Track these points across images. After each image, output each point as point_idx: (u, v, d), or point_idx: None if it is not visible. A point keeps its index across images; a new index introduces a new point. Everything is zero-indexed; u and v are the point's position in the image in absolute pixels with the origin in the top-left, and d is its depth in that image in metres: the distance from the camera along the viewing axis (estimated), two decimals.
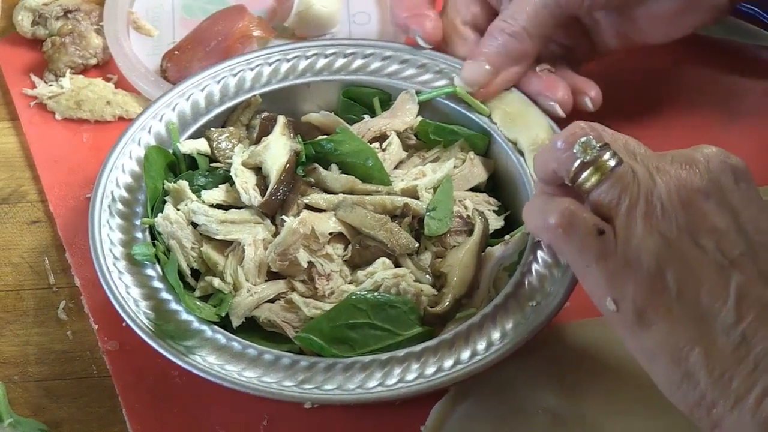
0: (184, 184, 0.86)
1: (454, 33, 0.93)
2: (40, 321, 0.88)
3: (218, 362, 0.78)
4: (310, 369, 0.78)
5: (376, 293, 0.81)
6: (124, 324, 0.80)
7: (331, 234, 0.83)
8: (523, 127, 0.88)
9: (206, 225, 0.84)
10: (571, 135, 0.71)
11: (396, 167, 0.89)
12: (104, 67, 1.02)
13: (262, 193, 0.85)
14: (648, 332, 0.68)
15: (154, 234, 0.85)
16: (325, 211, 0.84)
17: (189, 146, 0.89)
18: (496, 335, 0.78)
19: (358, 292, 0.80)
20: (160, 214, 0.85)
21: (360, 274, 0.83)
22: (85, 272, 0.89)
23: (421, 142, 0.91)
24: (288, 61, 0.93)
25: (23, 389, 0.84)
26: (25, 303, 0.89)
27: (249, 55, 0.93)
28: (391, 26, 1.02)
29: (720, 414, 0.66)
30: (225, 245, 0.85)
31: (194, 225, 0.85)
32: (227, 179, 0.87)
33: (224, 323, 0.81)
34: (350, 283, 0.83)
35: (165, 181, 0.87)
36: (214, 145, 0.89)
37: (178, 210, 0.85)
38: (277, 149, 0.87)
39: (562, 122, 0.87)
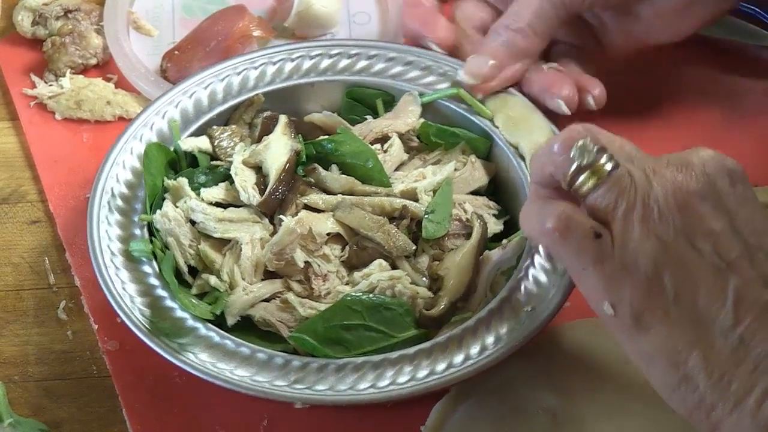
0: (183, 181, 0.86)
1: (464, 39, 0.93)
2: (40, 321, 0.88)
3: (211, 360, 0.78)
4: (302, 369, 0.78)
5: (371, 295, 0.80)
6: (119, 320, 0.80)
7: (328, 234, 0.83)
8: (526, 132, 0.88)
9: (204, 223, 0.84)
10: (568, 138, 0.71)
11: (397, 169, 0.89)
12: (104, 67, 1.02)
13: (262, 192, 0.85)
14: (646, 336, 0.68)
15: (152, 231, 0.85)
16: (323, 211, 0.84)
17: (190, 144, 0.89)
18: (490, 340, 0.78)
19: (354, 293, 0.80)
20: (158, 211, 0.85)
21: (356, 275, 0.83)
22: (85, 272, 0.89)
23: (423, 144, 0.91)
24: (292, 60, 0.93)
25: (23, 389, 0.84)
26: (25, 303, 0.89)
27: (253, 54, 0.93)
28: (392, 26, 1.02)
29: (719, 417, 0.66)
30: (223, 243, 0.85)
31: (192, 222, 0.85)
32: (227, 177, 0.87)
33: (220, 322, 0.81)
34: (347, 284, 0.83)
35: (165, 178, 0.87)
36: (215, 143, 0.90)
37: (177, 207, 0.85)
38: (278, 149, 0.87)
39: (564, 123, 0.87)
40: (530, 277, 0.81)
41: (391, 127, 0.90)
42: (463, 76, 0.90)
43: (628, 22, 0.91)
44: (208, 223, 0.84)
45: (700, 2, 0.89)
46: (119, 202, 0.86)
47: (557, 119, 0.89)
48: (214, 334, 0.80)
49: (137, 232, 0.85)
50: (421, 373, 0.77)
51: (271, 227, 0.84)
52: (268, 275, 0.84)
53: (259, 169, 0.87)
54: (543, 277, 0.80)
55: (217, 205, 0.86)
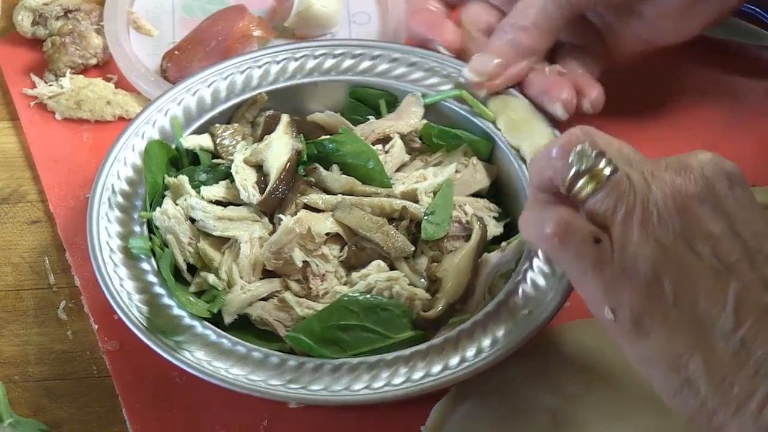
0: (183, 179, 0.86)
1: (471, 42, 0.93)
2: (40, 321, 0.88)
3: (206, 358, 0.78)
4: (297, 369, 0.78)
5: (368, 295, 0.80)
6: (115, 316, 0.80)
7: (327, 234, 0.83)
8: (527, 135, 0.88)
9: (204, 221, 0.84)
10: (566, 143, 0.70)
11: (398, 170, 0.89)
12: (104, 67, 1.02)
13: (262, 191, 0.85)
14: (646, 340, 0.68)
15: (152, 228, 0.85)
16: (323, 211, 0.84)
17: (191, 141, 0.89)
18: (486, 342, 0.78)
19: (351, 294, 0.80)
20: (158, 208, 0.85)
21: (354, 275, 0.83)
22: (85, 272, 0.89)
23: (426, 145, 0.91)
24: (296, 59, 0.93)
25: (23, 389, 0.84)
26: (25, 303, 0.89)
27: (257, 53, 0.93)
28: (391, 27, 1.02)
29: (721, 421, 0.66)
30: (222, 242, 0.85)
31: (192, 220, 0.85)
32: (228, 176, 0.87)
33: (217, 320, 0.81)
34: (345, 284, 0.83)
35: (166, 176, 0.87)
36: (217, 141, 0.90)
37: (177, 205, 0.85)
38: (279, 148, 0.87)
39: (566, 124, 0.87)
40: (528, 281, 0.80)
41: (393, 128, 0.89)
42: (468, 73, 0.90)
43: (632, 23, 0.91)
44: (208, 221, 0.84)
45: (703, 1, 0.89)
46: (120, 199, 0.86)
47: (559, 121, 0.89)
48: (211, 332, 0.80)
49: (137, 229, 0.85)
50: (417, 375, 0.77)
51: (271, 226, 0.84)
52: (267, 274, 0.84)
53: (260, 167, 0.87)
54: (541, 281, 0.80)
55: (218, 203, 0.86)
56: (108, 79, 1.01)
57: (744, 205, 0.69)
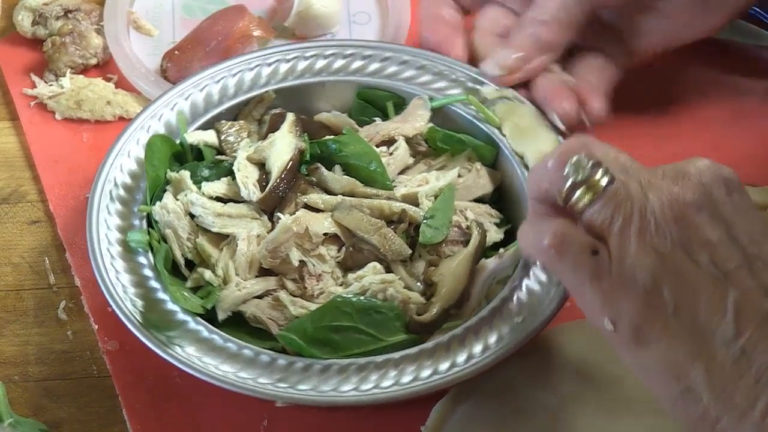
0: (185, 174, 0.86)
1: (482, 46, 0.93)
2: (40, 321, 0.88)
3: (197, 354, 0.78)
4: (287, 368, 0.77)
5: (362, 297, 0.80)
6: (109, 308, 0.80)
7: (325, 235, 0.83)
8: (532, 141, 0.87)
9: (203, 216, 0.84)
10: (562, 154, 0.70)
11: (402, 172, 0.89)
12: (104, 67, 1.02)
13: (263, 189, 0.85)
14: (647, 350, 0.67)
15: (151, 222, 0.85)
16: (322, 211, 0.84)
17: (196, 137, 0.89)
18: (477, 348, 0.78)
19: (344, 295, 0.80)
20: (158, 203, 0.85)
21: (350, 276, 0.82)
22: (85, 272, 0.89)
23: (431, 149, 0.90)
24: (306, 59, 0.93)
25: (23, 389, 0.84)
26: (25, 303, 0.89)
27: (266, 51, 0.93)
28: (392, 27, 1.02)
29: (724, 429, 0.65)
30: (221, 238, 0.85)
31: (192, 216, 0.85)
32: (231, 173, 0.87)
33: (212, 317, 0.81)
34: (341, 285, 0.83)
35: (168, 171, 0.87)
36: (222, 138, 0.90)
37: (177, 200, 0.85)
38: (282, 146, 0.87)
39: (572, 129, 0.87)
40: (524, 288, 0.80)
41: (398, 131, 0.89)
42: (490, 67, 0.90)
43: (650, 19, 0.91)
44: (207, 217, 0.84)
45: None
46: (121, 192, 0.86)
47: (565, 127, 0.88)
48: (203, 328, 0.80)
49: (137, 222, 0.85)
50: (406, 378, 0.77)
51: (270, 225, 0.84)
52: (264, 272, 0.84)
53: (262, 165, 0.87)
54: (537, 288, 0.80)
55: (218, 199, 0.86)
56: (108, 79, 1.01)
57: (742, 211, 0.68)
